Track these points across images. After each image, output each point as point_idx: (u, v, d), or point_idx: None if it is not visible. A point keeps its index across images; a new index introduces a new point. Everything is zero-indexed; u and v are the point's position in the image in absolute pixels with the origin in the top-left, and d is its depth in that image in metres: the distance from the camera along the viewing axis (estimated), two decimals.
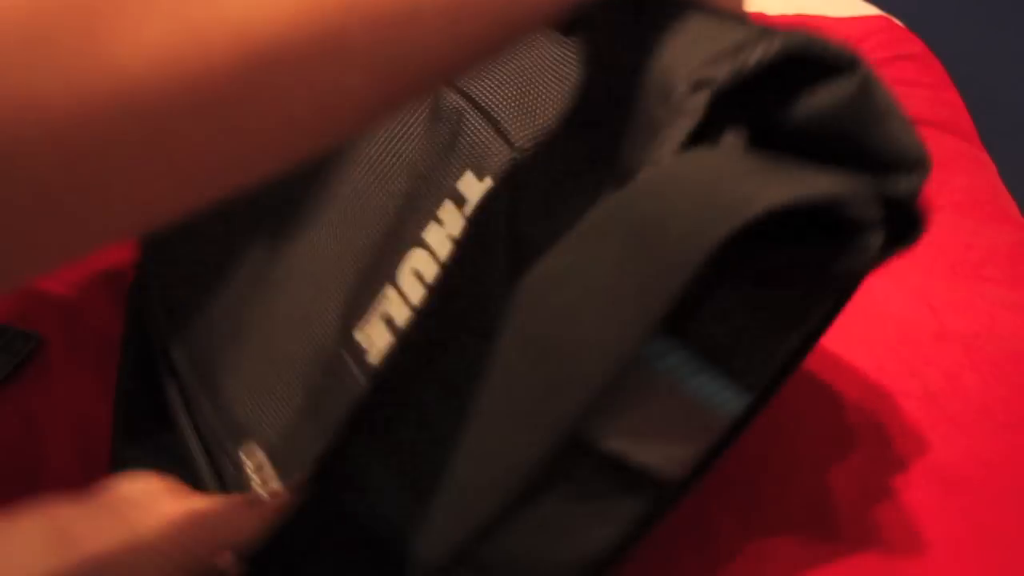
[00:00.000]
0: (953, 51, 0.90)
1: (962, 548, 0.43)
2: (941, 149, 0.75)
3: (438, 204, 0.31)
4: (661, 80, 0.25)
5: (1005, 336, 0.56)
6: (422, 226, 0.31)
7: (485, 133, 0.32)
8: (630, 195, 0.25)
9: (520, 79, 0.32)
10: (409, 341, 0.30)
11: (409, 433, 0.28)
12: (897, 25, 0.91)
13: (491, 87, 0.33)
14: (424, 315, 0.30)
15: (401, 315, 0.30)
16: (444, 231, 0.31)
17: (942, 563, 0.43)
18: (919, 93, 0.81)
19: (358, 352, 0.31)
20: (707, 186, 0.24)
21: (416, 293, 0.30)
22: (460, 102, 0.33)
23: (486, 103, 0.32)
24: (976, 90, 0.87)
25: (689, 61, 0.25)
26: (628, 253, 0.24)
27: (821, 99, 0.26)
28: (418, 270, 0.31)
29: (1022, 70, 1.11)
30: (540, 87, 0.31)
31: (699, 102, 0.24)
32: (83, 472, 0.48)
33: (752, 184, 0.23)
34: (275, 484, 0.34)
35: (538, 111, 0.31)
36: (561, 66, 0.31)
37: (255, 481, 0.35)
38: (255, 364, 0.38)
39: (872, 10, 0.93)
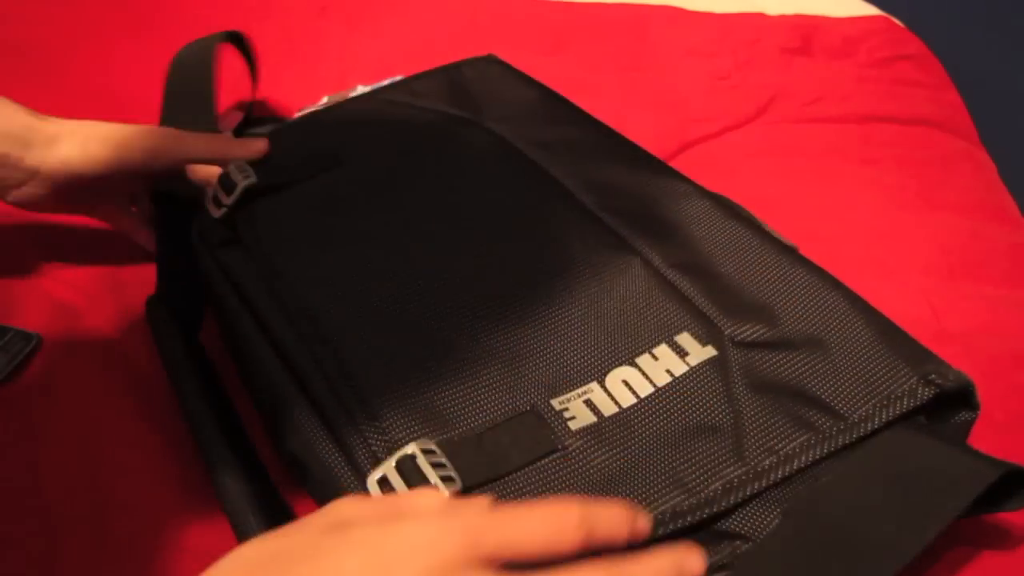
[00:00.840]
0: (953, 51, 0.90)
1: (963, 546, 0.43)
2: (941, 149, 0.75)
3: (654, 344, 0.44)
4: (874, 365, 0.42)
5: (1005, 336, 0.56)
6: (636, 354, 0.44)
7: (706, 320, 0.45)
8: (896, 449, 0.39)
9: (732, 280, 0.47)
10: (614, 424, 0.41)
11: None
12: (897, 25, 0.91)
13: (716, 286, 0.47)
14: (630, 414, 0.41)
15: (607, 407, 0.42)
16: (661, 365, 0.43)
17: (943, 561, 0.43)
18: (919, 93, 0.81)
19: (558, 417, 0.41)
20: (946, 456, 0.39)
21: (625, 397, 0.42)
22: (683, 284, 0.47)
23: (708, 295, 0.47)
24: (976, 90, 0.87)
25: (897, 365, 0.42)
26: (907, 492, 0.38)
27: (960, 417, 0.43)
28: (628, 381, 0.43)
29: (1022, 70, 1.11)
30: (750, 289, 0.47)
31: (927, 394, 0.41)
32: (83, 472, 0.48)
33: (975, 461, 0.39)
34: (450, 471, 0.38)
35: (747, 311, 0.45)
36: (768, 271, 0.47)
37: (431, 474, 0.37)
38: (425, 386, 0.43)
39: (872, 10, 0.93)
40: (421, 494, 0.35)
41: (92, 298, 0.58)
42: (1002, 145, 0.81)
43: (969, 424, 0.43)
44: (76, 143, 0.53)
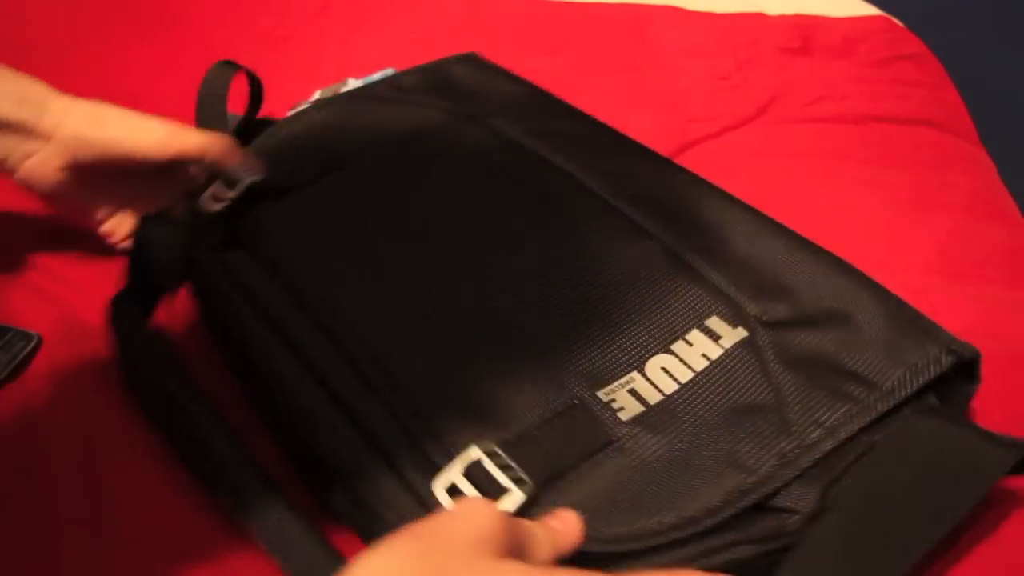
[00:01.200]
0: (953, 51, 0.90)
1: (962, 548, 0.43)
2: (941, 149, 0.75)
3: (687, 330, 0.45)
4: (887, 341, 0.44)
5: (1005, 336, 0.56)
6: (671, 341, 0.44)
7: (731, 302, 0.46)
8: (921, 436, 0.41)
9: (757, 264, 0.48)
10: (661, 412, 0.41)
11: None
12: (897, 25, 0.91)
13: (735, 268, 0.48)
14: (675, 401, 0.42)
15: (651, 395, 0.42)
16: (696, 350, 0.44)
17: (942, 563, 0.43)
18: (919, 93, 0.81)
19: (607, 408, 0.41)
20: (966, 441, 0.41)
21: (667, 384, 0.43)
22: (704, 268, 0.48)
23: (728, 277, 0.47)
24: (976, 90, 0.87)
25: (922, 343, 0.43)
26: (933, 480, 0.39)
27: (962, 389, 0.45)
28: (667, 369, 0.43)
29: (1022, 70, 1.11)
30: (772, 275, 0.48)
31: (949, 362, 0.43)
32: (83, 471, 0.48)
33: (989, 446, 0.40)
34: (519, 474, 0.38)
35: (769, 291, 0.47)
36: (791, 263, 0.48)
37: (502, 477, 0.37)
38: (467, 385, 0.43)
39: (872, 10, 0.93)
40: (537, 529, 0.34)
41: (92, 298, 0.58)
42: (1002, 145, 0.81)
43: (970, 396, 0.45)
44: (89, 114, 0.55)
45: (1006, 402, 0.50)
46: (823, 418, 0.40)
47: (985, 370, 0.52)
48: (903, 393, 0.41)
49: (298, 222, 0.52)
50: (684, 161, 0.73)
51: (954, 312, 0.58)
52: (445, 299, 0.47)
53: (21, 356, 0.54)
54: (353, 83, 0.75)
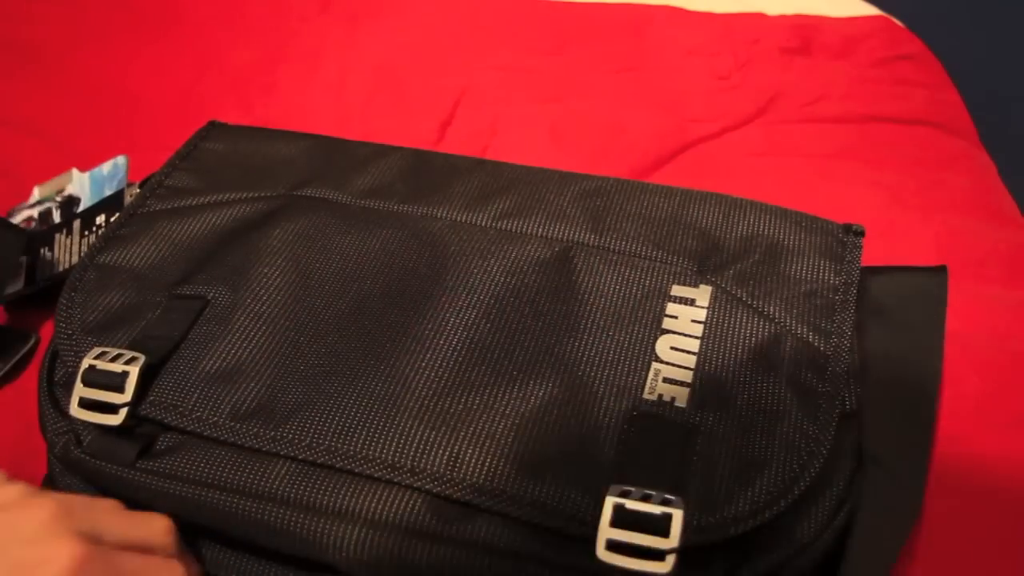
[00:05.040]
0: (953, 51, 0.90)
1: (961, 548, 0.43)
2: (941, 149, 0.75)
3: (663, 308, 0.45)
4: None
5: (1005, 336, 0.56)
6: (659, 323, 0.45)
7: (673, 266, 0.47)
8: None
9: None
10: (701, 384, 0.42)
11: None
12: (897, 25, 0.91)
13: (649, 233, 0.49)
14: (704, 370, 0.42)
15: (681, 373, 0.42)
16: (685, 318, 0.45)
17: (941, 563, 0.43)
18: (919, 93, 0.81)
19: (662, 403, 0.41)
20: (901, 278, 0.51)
21: (685, 359, 0.43)
22: (628, 248, 0.48)
23: (651, 247, 0.48)
24: (976, 90, 0.87)
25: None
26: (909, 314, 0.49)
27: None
28: (675, 346, 0.44)
29: (1022, 70, 1.11)
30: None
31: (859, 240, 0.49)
32: None
33: (919, 274, 0.52)
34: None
35: (694, 244, 0.48)
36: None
37: (652, 508, 0.37)
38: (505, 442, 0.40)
39: (872, 10, 0.93)
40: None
41: None
42: (1002, 145, 0.81)
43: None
44: None
45: (1006, 402, 0.50)
46: (823, 324, 0.44)
47: (985, 370, 0.52)
48: (855, 275, 0.46)
49: (219, 391, 0.43)
50: (684, 161, 0.73)
51: (953, 312, 0.57)
52: (473, 388, 0.42)
53: (19, 356, 0.54)
54: (78, 175, 0.65)
